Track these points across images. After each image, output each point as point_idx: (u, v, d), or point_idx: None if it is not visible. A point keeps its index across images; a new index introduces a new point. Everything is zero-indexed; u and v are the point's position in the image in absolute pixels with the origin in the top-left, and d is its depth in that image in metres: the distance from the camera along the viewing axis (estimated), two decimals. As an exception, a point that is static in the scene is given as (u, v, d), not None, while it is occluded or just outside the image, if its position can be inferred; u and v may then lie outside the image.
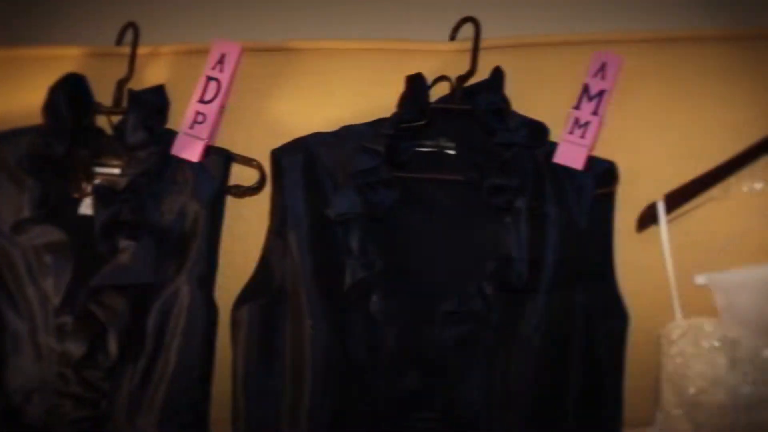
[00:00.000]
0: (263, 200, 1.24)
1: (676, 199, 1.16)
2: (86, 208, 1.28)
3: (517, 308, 1.14)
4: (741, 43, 1.20)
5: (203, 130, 1.24)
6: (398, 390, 1.14)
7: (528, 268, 1.12)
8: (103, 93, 1.30)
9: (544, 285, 1.14)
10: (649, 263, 1.16)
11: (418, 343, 1.14)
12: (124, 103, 1.27)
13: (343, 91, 1.28)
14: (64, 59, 1.36)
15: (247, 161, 1.25)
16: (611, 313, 1.16)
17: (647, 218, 1.17)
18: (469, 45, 1.23)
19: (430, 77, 1.22)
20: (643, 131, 1.21)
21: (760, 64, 1.19)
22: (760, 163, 1.15)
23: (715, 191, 1.16)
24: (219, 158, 1.25)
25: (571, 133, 1.17)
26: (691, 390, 1.07)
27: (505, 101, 1.19)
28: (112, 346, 1.18)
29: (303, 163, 1.21)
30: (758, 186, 1.16)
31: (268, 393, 1.17)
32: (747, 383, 1.06)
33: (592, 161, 1.17)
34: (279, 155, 1.22)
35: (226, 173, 1.26)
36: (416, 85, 1.21)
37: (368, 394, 1.15)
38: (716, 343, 1.07)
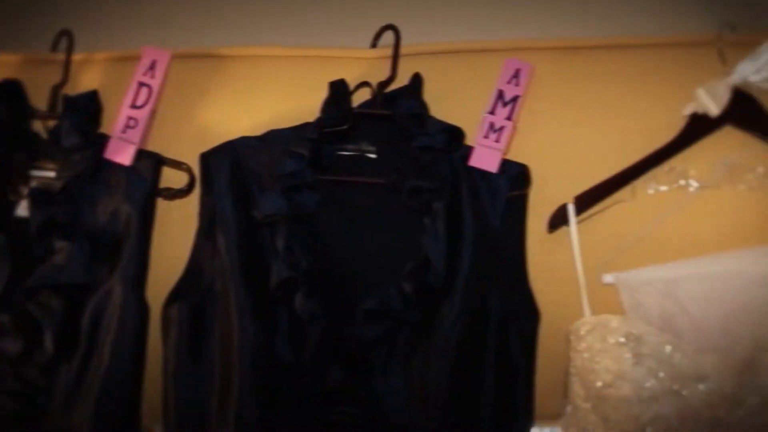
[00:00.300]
0: (193, 202, 1.25)
1: (586, 201, 1.18)
2: (23, 210, 1.29)
3: (435, 307, 1.15)
4: (649, 50, 1.22)
5: (135, 135, 1.26)
6: (322, 385, 1.16)
7: (445, 268, 1.14)
8: (39, 98, 1.31)
9: (461, 284, 1.15)
10: (559, 263, 1.18)
11: (340, 341, 1.15)
12: (59, 108, 1.29)
13: (269, 97, 1.29)
14: (1, 66, 1.36)
15: (177, 164, 1.27)
16: (524, 312, 1.18)
17: (558, 219, 1.19)
18: (389, 52, 1.24)
19: (352, 83, 1.23)
20: (554, 136, 1.23)
21: (667, 71, 1.21)
22: (664, 166, 1.18)
23: (622, 194, 1.19)
24: (150, 162, 1.27)
25: (485, 137, 1.19)
26: (598, 384, 1.10)
27: (423, 106, 1.21)
28: (48, 344, 1.19)
29: (230, 166, 1.22)
30: (663, 189, 1.19)
31: (198, 389, 1.19)
32: (651, 377, 1.08)
33: (506, 164, 1.19)
34: (207, 158, 1.23)
35: (156, 176, 1.27)
36: (339, 90, 1.22)
37: (294, 389, 1.17)
38: (621, 339, 1.10)
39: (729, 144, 1.17)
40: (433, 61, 1.25)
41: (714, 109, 1.15)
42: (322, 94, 1.22)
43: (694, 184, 1.18)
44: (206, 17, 1.40)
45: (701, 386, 1.08)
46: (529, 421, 1.17)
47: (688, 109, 1.18)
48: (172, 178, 1.28)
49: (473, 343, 1.15)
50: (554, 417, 1.17)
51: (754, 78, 1.15)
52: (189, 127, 1.31)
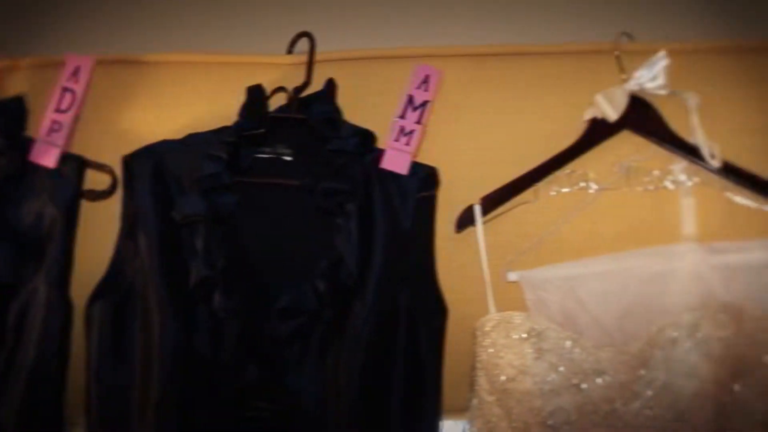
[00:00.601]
0: (116, 203, 1.26)
1: (491, 202, 1.21)
2: (-50, 212, 1.29)
3: (348, 305, 1.17)
4: (553, 58, 1.26)
5: (59, 138, 1.26)
6: (238, 381, 1.17)
7: (357, 268, 1.16)
8: (-34, 104, 1.31)
9: (373, 283, 1.17)
10: (467, 262, 1.20)
11: (256, 338, 1.17)
12: (-14, 113, 1.29)
13: (189, 101, 1.31)
14: (-74, 72, 1.37)
15: (100, 167, 1.28)
16: (432, 309, 1.20)
17: (465, 220, 1.21)
18: (305, 58, 1.26)
19: (269, 88, 1.24)
20: (463, 139, 1.26)
21: (569, 78, 1.25)
22: (565, 169, 1.21)
23: (526, 195, 1.21)
24: (74, 164, 1.27)
25: (396, 140, 1.21)
26: (502, 378, 1.12)
27: (337, 111, 1.23)
28: (-25, 342, 1.21)
29: (152, 168, 1.23)
30: (564, 190, 1.22)
31: (119, 386, 1.19)
32: (552, 371, 1.10)
33: (416, 167, 1.21)
34: (129, 161, 1.24)
35: (80, 178, 1.28)
36: (256, 95, 1.24)
37: (212, 386, 1.18)
38: (524, 335, 1.12)
39: (626, 148, 1.21)
40: (347, 67, 1.27)
41: (612, 114, 1.18)
42: (240, 98, 1.24)
43: (594, 186, 1.21)
44: (127, 24, 1.42)
45: (599, 380, 1.10)
46: (437, 415, 1.19)
47: (588, 114, 1.21)
48: (95, 180, 1.29)
49: (384, 339, 1.17)
50: (461, 410, 1.19)
51: (649, 85, 1.19)
52: (112, 130, 1.32)
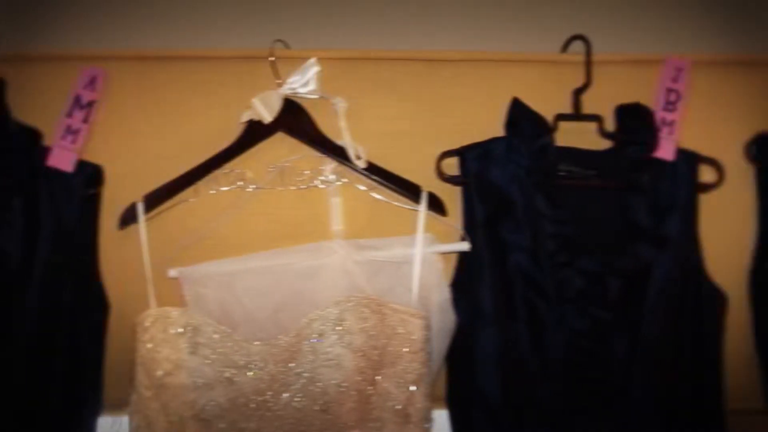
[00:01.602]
0: None
1: (154, 199, 1.21)
2: None
3: (10, 301, 1.15)
4: (214, 63, 1.27)
5: None
6: None
7: (21, 262, 1.15)
8: None
9: (37, 278, 1.15)
10: (130, 258, 1.19)
11: None
12: None
13: None
14: None
15: None
16: (95, 305, 1.21)
17: (128, 217, 1.20)
18: (-32, 56, 1.23)
19: (-65, 86, 1.20)
20: (130, 138, 1.26)
21: (230, 81, 1.26)
22: (224, 169, 1.22)
23: (187, 193, 1.22)
24: None
25: (62, 138, 1.20)
26: (159, 373, 1.11)
27: (4, 109, 1.20)
28: None
29: None
30: (223, 189, 1.23)
31: None
32: (205, 366, 1.11)
33: (82, 165, 1.21)
34: None
35: None
36: None
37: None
38: (180, 330, 1.12)
39: (282, 149, 1.23)
40: (17, 67, 1.24)
41: (267, 116, 1.21)
42: None
43: (251, 185, 1.23)
44: None
45: (250, 373, 1.12)
46: (97, 409, 1.20)
47: (246, 117, 1.22)
48: None
49: (46, 334, 1.16)
50: (123, 406, 1.16)
51: (302, 90, 1.22)
52: None
